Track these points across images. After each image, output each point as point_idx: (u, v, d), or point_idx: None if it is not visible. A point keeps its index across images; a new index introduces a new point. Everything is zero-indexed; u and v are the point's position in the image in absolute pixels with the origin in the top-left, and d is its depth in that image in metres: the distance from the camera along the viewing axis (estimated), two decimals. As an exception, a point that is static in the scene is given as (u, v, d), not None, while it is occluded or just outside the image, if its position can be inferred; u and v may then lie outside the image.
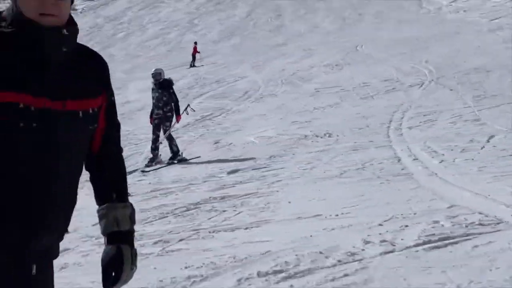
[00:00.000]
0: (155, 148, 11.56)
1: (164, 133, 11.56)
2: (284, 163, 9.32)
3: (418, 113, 11.22)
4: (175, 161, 11.23)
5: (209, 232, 6.83)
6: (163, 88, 11.60)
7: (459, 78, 13.47)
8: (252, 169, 9.34)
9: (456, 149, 8.45)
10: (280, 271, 5.21)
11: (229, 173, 9.41)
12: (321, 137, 10.50)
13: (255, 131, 11.70)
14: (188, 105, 12.62)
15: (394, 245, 5.35)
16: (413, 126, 10.30)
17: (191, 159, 11.12)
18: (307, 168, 8.71)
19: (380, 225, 5.97)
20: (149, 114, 12.01)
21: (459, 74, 13.79)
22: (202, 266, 5.70)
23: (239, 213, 7.28)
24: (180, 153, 11.42)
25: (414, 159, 8.21)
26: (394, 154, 8.61)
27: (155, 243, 6.64)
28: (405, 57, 16.44)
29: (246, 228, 6.71)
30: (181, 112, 11.72)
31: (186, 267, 5.56)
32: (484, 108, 10.91)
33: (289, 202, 7.29)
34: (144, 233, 6.80)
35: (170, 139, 11.61)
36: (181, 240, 6.70)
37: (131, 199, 2.40)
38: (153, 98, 11.68)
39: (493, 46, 16.07)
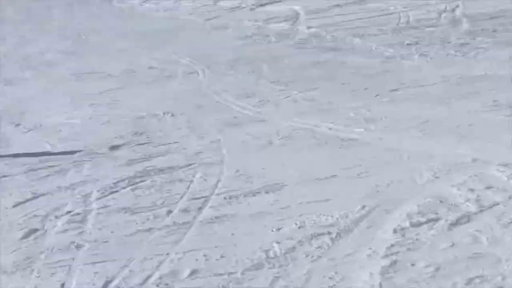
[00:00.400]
0: None
1: None
2: (168, 138, 8.72)
3: (236, 89, 11.27)
4: None
5: (225, 198, 6.32)
6: None
7: (232, 68, 13.73)
8: (137, 144, 8.57)
9: (338, 121, 8.75)
10: (429, 220, 5.09)
11: (111, 148, 8.51)
12: (170, 116, 9.99)
13: (59, 114, 10.70)
14: None
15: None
16: (257, 105, 10.29)
17: None
18: (214, 141, 8.29)
19: (437, 177, 6.08)
20: None
21: (228, 64, 14.06)
22: (304, 226, 5.36)
23: (218, 180, 6.80)
24: None
25: (329, 129, 8.34)
26: (303, 125, 8.63)
27: (168, 213, 5.98)
28: (146, 50, 16.33)
29: (267, 192, 6.33)
30: None
31: (299, 226, 5.20)
32: (298, 91, 11.32)
33: (263, 169, 6.99)
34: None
35: None
36: (200, 208, 6.14)
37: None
38: None
39: (233, 42, 16.71)
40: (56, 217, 6.14)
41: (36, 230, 5.83)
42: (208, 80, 12.80)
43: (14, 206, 6.53)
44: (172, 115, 10.28)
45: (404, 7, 18.40)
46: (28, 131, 10.17)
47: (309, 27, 17.96)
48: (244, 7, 21.97)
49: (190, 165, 7.44)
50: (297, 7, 20.52)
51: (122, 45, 17.36)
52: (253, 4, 21.92)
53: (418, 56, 13.47)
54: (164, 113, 10.38)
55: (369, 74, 12.27)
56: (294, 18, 19.32)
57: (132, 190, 6.75)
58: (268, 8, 21.20)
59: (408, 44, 14.79)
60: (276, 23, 19.02)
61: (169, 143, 8.60)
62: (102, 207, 6.26)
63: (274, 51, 15.72)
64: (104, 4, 24.94)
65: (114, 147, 8.66)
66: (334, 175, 6.50)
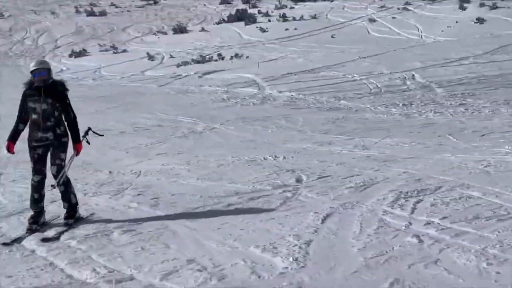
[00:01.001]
0: (39, 199, 7.02)
1: (57, 172, 6.98)
2: (336, 172, 8.34)
3: (301, 139, 10.96)
4: (71, 221, 7.06)
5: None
6: (54, 95, 6.90)
7: (249, 123, 13.40)
8: (318, 178, 8.11)
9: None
10: None
11: (297, 181, 8.04)
12: (283, 158, 9.60)
13: (140, 162, 9.92)
14: (89, 128, 7.55)
15: None
16: (358, 150, 10.06)
17: (88, 216, 7.29)
18: (400, 173, 8.07)
19: None
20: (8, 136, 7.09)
21: (242, 121, 13.71)
22: None
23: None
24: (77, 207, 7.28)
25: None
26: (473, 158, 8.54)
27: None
28: (126, 112, 15.63)
29: None
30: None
31: None
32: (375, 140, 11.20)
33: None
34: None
35: (67, 184, 7.15)
36: None
37: None
38: (32, 111, 6.87)
39: (215, 104, 16.96)
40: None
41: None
42: (245, 133, 12.24)
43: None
44: (285, 157, 9.70)
45: (361, 76, 18.84)
46: (138, 176, 9.07)
47: (280, 91, 17.86)
48: (186, 75, 21.36)
49: (424, 189, 7.39)
50: (249, 75, 20.26)
51: (94, 108, 16.15)
52: (195, 73, 21.39)
53: (433, 113, 13.77)
54: (272, 156, 9.77)
55: (413, 125, 12.36)
56: (254, 84, 19.05)
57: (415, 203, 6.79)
58: (214, 75, 20.78)
59: (404, 105, 15.14)
60: (241, 88, 18.67)
61: (355, 176, 8.17)
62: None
63: (270, 111, 15.33)
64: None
65: (298, 180, 8.10)
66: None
